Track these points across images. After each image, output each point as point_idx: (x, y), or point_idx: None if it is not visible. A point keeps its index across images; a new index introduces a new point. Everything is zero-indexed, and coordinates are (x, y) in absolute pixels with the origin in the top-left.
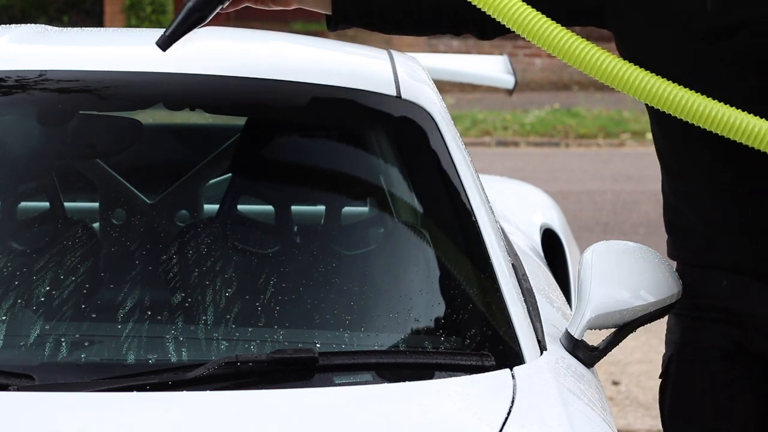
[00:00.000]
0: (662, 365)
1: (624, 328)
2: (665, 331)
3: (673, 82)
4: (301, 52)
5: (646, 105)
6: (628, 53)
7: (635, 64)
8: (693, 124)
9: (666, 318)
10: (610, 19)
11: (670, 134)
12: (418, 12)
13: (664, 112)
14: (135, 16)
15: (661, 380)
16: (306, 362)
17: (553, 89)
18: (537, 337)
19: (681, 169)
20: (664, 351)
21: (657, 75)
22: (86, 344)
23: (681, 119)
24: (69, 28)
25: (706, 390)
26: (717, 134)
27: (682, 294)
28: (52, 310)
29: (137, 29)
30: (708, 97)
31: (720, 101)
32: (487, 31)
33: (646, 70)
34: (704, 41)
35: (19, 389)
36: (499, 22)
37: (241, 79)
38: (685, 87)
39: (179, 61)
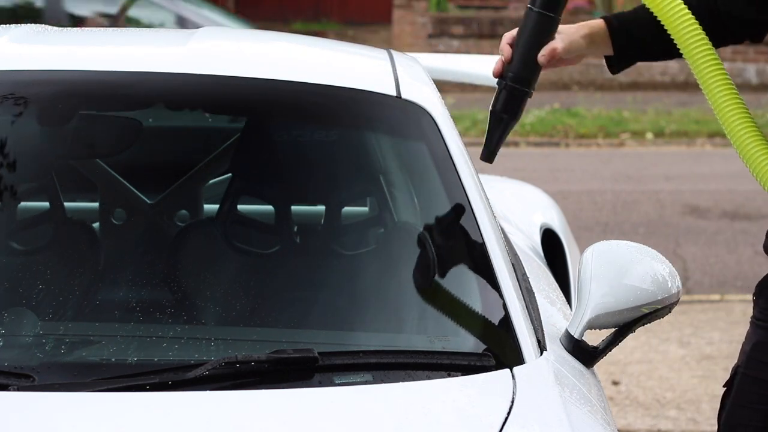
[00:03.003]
0: (730, 373)
1: (624, 328)
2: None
3: None
4: (301, 52)
5: None
6: None
7: None
8: None
9: (666, 318)
10: None
11: None
12: None
13: None
14: None
15: (724, 389)
16: (306, 362)
17: (553, 89)
18: (537, 337)
19: None
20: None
21: None
22: (86, 344)
23: None
24: (69, 28)
25: (759, 411)
26: None
27: (766, 303)
28: (52, 310)
29: (137, 29)
30: None
31: None
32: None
33: None
34: None
35: (18, 389)
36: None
37: (241, 79)
38: None
39: (179, 61)
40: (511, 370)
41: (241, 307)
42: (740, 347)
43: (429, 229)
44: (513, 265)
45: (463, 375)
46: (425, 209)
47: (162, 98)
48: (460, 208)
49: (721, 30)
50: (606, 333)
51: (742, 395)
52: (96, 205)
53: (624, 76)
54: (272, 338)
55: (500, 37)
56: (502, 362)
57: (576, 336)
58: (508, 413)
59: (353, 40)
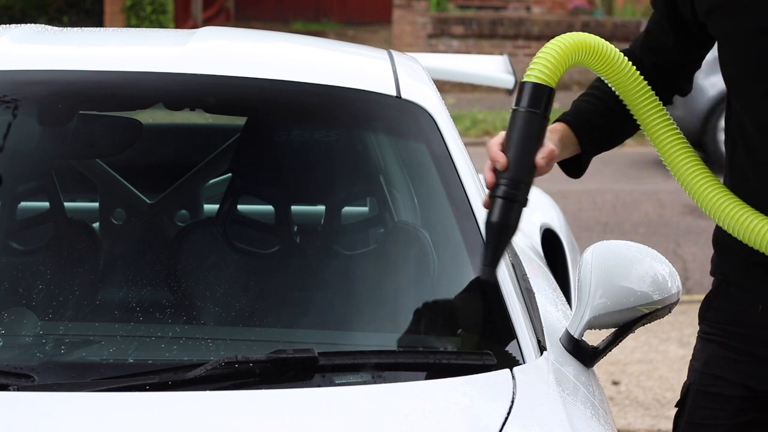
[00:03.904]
0: (681, 393)
1: (624, 328)
2: (690, 358)
3: (743, 82)
4: (300, 52)
5: (736, 116)
6: (719, 50)
7: (724, 63)
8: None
9: (666, 318)
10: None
11: (747, 139)
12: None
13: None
14: (135, 16)
15: (677, 409)
16: (306, 362)
17: None
18: (537, 337)
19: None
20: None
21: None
22: (86, 344)
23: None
24: (69, 28)
25: (721, 427)
26: None
27: (715, 317)
28: (52, 309)
29: (137, 29)
30: None
31: None
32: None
33: (728, 67)
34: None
35: (19, 389)
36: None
37: (241, 79)
38: (756, 92)
39: (179, 61)
40: (511, 370)
41: (241, 307)
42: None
43: (429, 229)
44: (513, 265)
45: (463, 375)
46: (425, 209)
47: (162, 98)
48: (460, 208)
49: (657, 89)
50: (606, 333)
51: (698, 412)
52: (96, 205)
53: None
54: (272, 338)
55: (500, 37)
56: (502, 362)
57: (576, 336)
58: (508, 413)
59: (353, 40)
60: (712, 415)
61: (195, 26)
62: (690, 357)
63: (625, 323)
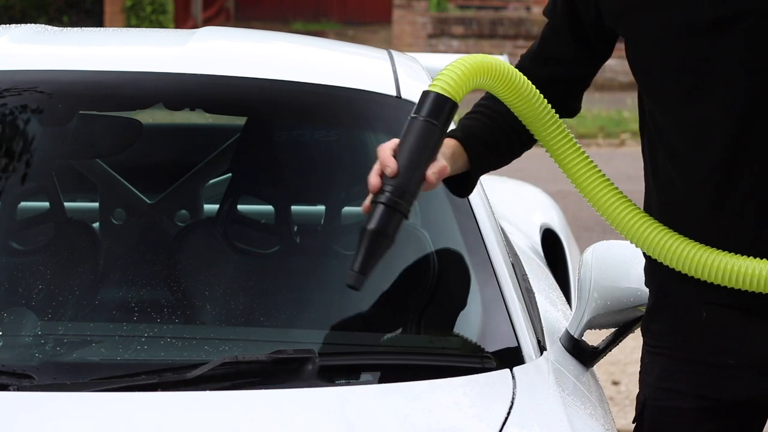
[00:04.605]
0: (636, 408)
1: (624, 328)
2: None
3: (663, 83)
4: (300, 52)
5: (648, 126)
6: (631, 53)
7: (639, 66)
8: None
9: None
10: (618, 27)
11: (671, 147)
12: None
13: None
14: (135, 16)
15: (634, 424)
16: (306, 362)
17: None
18: (537, 337)
19: (669, 184)
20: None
21: (653, 77)
22: (86, 344)
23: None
24: (69, 28)
25: None
26: (714, 152)
27: (659, 329)
28: (52, 309)
29: (137, 29)
30: (699, 106)
31: (712, 113)
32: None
33: (645, 69)
34: (693, 36)
35: (18, 389)
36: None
37: (241, 79)
38: (677, 93)
39: (179, 61)
40: (511, 370)
41: (241, 307)
42: (638, 377)
43: (429, 229)
44: (513, 265)
45: (463, 375)
46: (425, 209)
47: (162, 98)
48: (460, 208)
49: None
50: (606, 333)
51: (657, 428)
52: (96, 205)
53: (624, 76)
54: (272, 338)
55: (500, 37)
56: (502, 362)
57: (576, 336)
58: (508, 413)
59: (353, 40)
60: (673, 429)
61: (195, 26)
62: None
63: (625, 323)
